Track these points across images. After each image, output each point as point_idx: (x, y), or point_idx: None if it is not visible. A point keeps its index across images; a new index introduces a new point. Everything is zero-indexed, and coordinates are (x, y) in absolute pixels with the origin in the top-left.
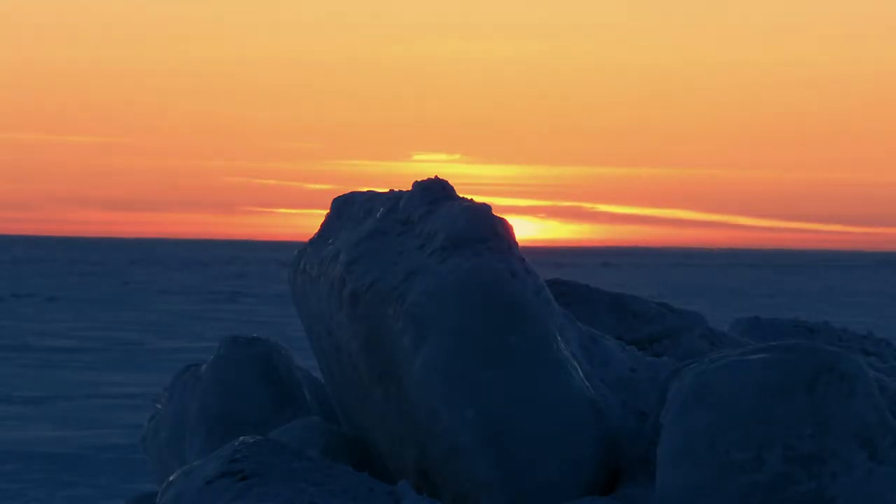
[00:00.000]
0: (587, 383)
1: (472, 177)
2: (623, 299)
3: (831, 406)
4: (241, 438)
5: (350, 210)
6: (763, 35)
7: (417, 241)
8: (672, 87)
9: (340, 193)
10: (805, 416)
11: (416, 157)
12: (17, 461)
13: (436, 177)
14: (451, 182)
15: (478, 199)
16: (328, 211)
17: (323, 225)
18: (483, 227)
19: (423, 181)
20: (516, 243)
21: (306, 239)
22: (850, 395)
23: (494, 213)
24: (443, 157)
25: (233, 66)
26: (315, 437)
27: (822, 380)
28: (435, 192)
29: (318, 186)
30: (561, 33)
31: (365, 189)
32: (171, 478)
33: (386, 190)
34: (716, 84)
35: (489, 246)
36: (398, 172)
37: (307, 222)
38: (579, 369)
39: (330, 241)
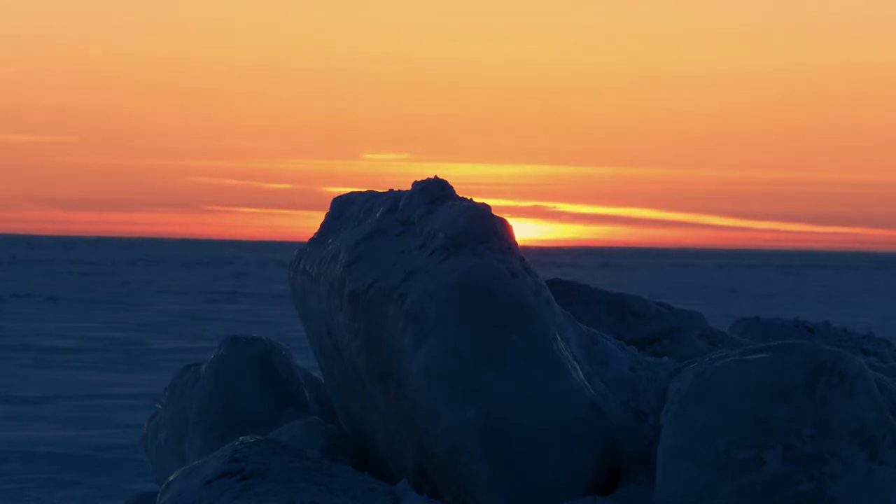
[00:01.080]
0: (587, 383)
1: (424, 176)
2: (623, 299)
3: (831, 406)
4: (241, 438)
5: (350, 210)
6: (726, 34)
7: (417, 240)
8: (631, 85)
9: (299, 192)
10: (805, 416)
11: (367, 156)
12: (17, 461)
13: (435, 176)
14: (400, 181)
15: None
16: (328, 210)
17: (323, 225)
18: (483, 226)
19: (422, 181)
20: (516, 243)
21: (272, 238)
22: (850, 395)
23: (494, 213)
24: (392, 156)
25: (187, 67)
26: (315, 437)
27: (822, 380)
28: (434, 191)
29: (277, 186)
30: (510, 32)
31: (328, 189)
32: (171, 478)
33: (341, 189)
34: (675, 83)
35: (489, 246)
36: (349, 171)
37: (271, 221)
38: (579, 369)
39: (330, 240)
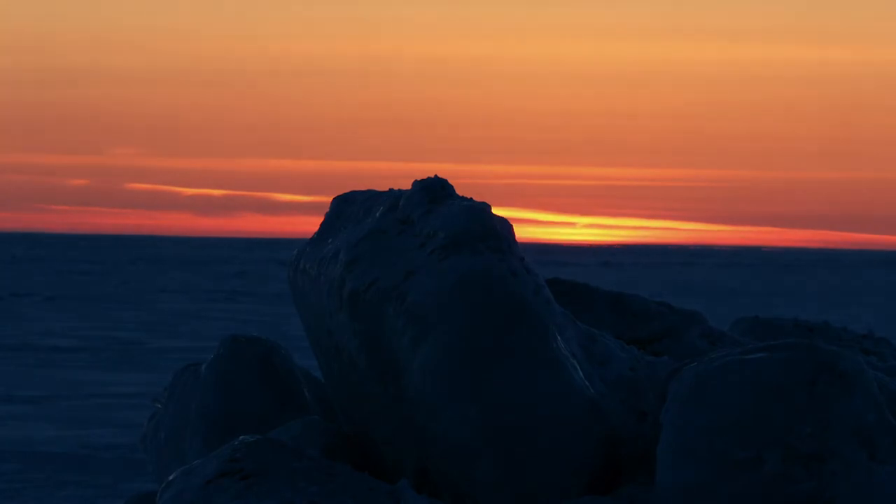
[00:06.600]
0: (587, 383)
1: (163, 170)
2: (623, 298)
3: (831, 406)
4: (241, 438)
5: (349, 209)
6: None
7: (417, 240)
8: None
9: (99, 186)
10: (805, 415)
11: (110, 151)
12: (17, 461)
13: (435, 176)
14: (139, 174)
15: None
16: (327, 210)
17: (322, 224)
18: (483, 225)
19: (422, 180)
20: (516, 242)
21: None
22: (850, 394)
23: (494, 213)
24: (131, 150)
25: None
26: (315, 437)
27: (822, 379)
28: (434, 191)
29: (79, 182)
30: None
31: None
32: (171, 477)
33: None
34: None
35: (489, 245)
36: (90, 164)
37: (72, 219)
38: (579, 369)
39: (329, 240)
